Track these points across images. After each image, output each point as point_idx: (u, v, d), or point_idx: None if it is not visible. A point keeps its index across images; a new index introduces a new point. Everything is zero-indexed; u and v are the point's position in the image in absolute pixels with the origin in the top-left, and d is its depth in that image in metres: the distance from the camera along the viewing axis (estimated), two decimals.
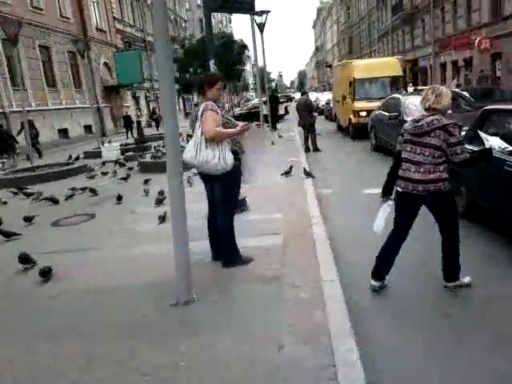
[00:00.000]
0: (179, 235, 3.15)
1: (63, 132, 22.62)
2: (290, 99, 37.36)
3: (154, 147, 13.20)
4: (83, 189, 8.30)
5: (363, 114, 13.57)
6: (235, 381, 2.39)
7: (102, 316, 3.21)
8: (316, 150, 12.37)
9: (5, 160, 14.68)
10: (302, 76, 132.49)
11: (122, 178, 9.37)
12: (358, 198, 6.80)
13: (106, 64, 28.29)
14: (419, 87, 17.56)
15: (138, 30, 33.57)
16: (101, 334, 2.97)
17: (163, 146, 10.38)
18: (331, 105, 20.71)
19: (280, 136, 15.31)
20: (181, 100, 38.22)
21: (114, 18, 29.73)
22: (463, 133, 3.88)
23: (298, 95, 42.58)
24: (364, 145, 12.39)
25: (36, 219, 6.34)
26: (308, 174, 7.79)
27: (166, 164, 3.12)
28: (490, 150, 3.73)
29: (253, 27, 13.08)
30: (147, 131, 21.34)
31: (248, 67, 65.81)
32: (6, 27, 12.64)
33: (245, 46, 19.70)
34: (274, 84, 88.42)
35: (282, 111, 20.32)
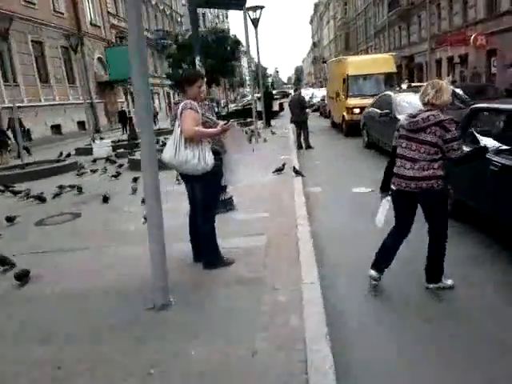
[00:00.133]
0: (155, 237, 3.09)
1: (56, 128, 22.46)
2: (287, 95, 37.15)
3: None
4: (71, 187, 8.22)
5: (357, 110, 13.50)
6: None
7: (75, 320, 3.14)
8: (308, 147, 12.30)
9: None
10: (298, 72, 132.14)
11: (112, 176, 9.27)
12: (346, 197, 6.76)
13: (99, 59, 28.09)
14: (413, 84, 17.51)
15: None
16: (72, 338, 2.90)
17: (157, 142, 10.28)
18: (326, 101, 20.62)
19: (273, 133, 15.23)
20: (177, 96, 37.97)
21: (109, 12, 29.52)
22: None
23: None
24: (357, 142, 12.33)
25: (20, 218, 6.25)
26: (297, 173, 7.72)
27: (141, 163, 3.05)
28: (485, 147, 3.68)
29: (245, 23, 12.96)
30: None
31: (244, 63, 65.55)
32: None
33: (238, 42, 19.55)
34: (270, 80, 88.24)
35: (276, 107, 20.19)
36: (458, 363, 2.62)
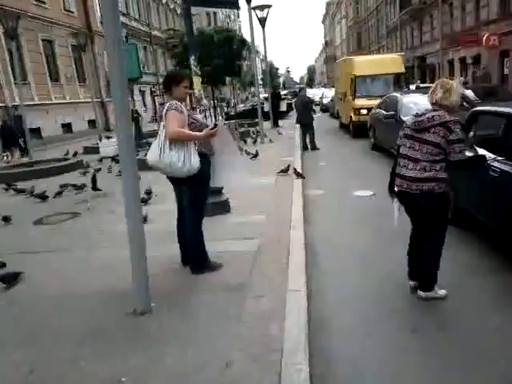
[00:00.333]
0: (135, 241, 3.03)
1: (67, 127, 22.63)
2: (297, 95, 36.93)
3: (150, 144, 13.10)
4: (74, 185, 8.24)
5: (364, 111, 13.33)
6: None
7: (54, 323, 3.11)
8: (314, 148, 12.18)
9: (8, 153, 14.86)
10: (311, 71, 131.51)
11: (118, 175, 9.27)
12: (347, 200, 6.66)
13: None
14: (422, 85, 17.25)
15: (144, 24, 33.45)
16: (50, 341, 2.87)
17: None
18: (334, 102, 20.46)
19: (280, 133, 15.12)
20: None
21: (119, 11, 29.63)
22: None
23: (307, 90, 42.09)
24: (364, 144, 12.17)
25: (20, 217, 6.29)
26: (298, 175, 7.63)
27: (120, 164, 3.00)
28: (484, 157, 3.60)
29: (251, 22, 12.89)
30: (152, 126, 21.26)
31: (257, 62, 65.40)
32: (4, 21, 12.62)
33: (244, 41, 19.47)
34: (281, 80, 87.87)
35: (284, 108, 20.06)
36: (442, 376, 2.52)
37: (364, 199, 6.58)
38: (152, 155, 3.50)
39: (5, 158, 14.61)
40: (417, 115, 3.25)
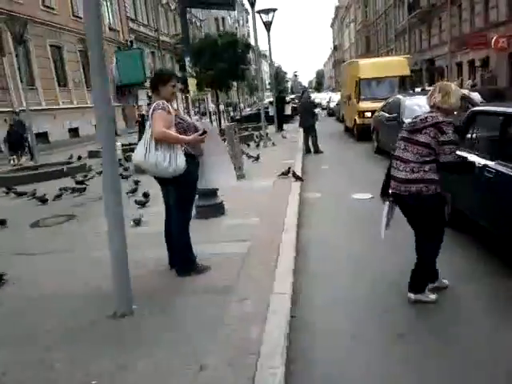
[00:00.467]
0: (115, 242, 2.99)
1: (74, 131, 22.83)
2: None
3: None
4: (73, 188, 8.28)
5: (368, 114, 13.19)
6: None
7: (33, 325, 3.07)
8: (317, 151, 12.09)
9: (14, 156, 15.08)
10: (320, 76, 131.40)
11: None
12: (345, 203, 6.56)
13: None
14: (427, 87, 17.07)
15: (152, 30, 33.72)
16: (27, 342, 2.84)
17: None
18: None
19: (284, 137, 15.07)
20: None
21: (128, 17, 29.89)
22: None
23: (315, 95, 41.99)
24: (368, 147, 12.04)
25: (18, 219, 6.31)
26: (297, 178, 7.56)
27: (102, 163, 2.97)
28: (473, 164, 3.48)
29: (254, 25, 12.87)
30: None
31: (265, 67, 65.52)
32: (11, 26, 12.81)
33: (248, 45, 19.48)
34: (289, 85, 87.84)
35: (288, 111, 19.99)
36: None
37: (362, 202, 6.48)
38: (137, 155, 3.46)
39: (11, 161, 14.83)
40: (414, 118, 3.21)
